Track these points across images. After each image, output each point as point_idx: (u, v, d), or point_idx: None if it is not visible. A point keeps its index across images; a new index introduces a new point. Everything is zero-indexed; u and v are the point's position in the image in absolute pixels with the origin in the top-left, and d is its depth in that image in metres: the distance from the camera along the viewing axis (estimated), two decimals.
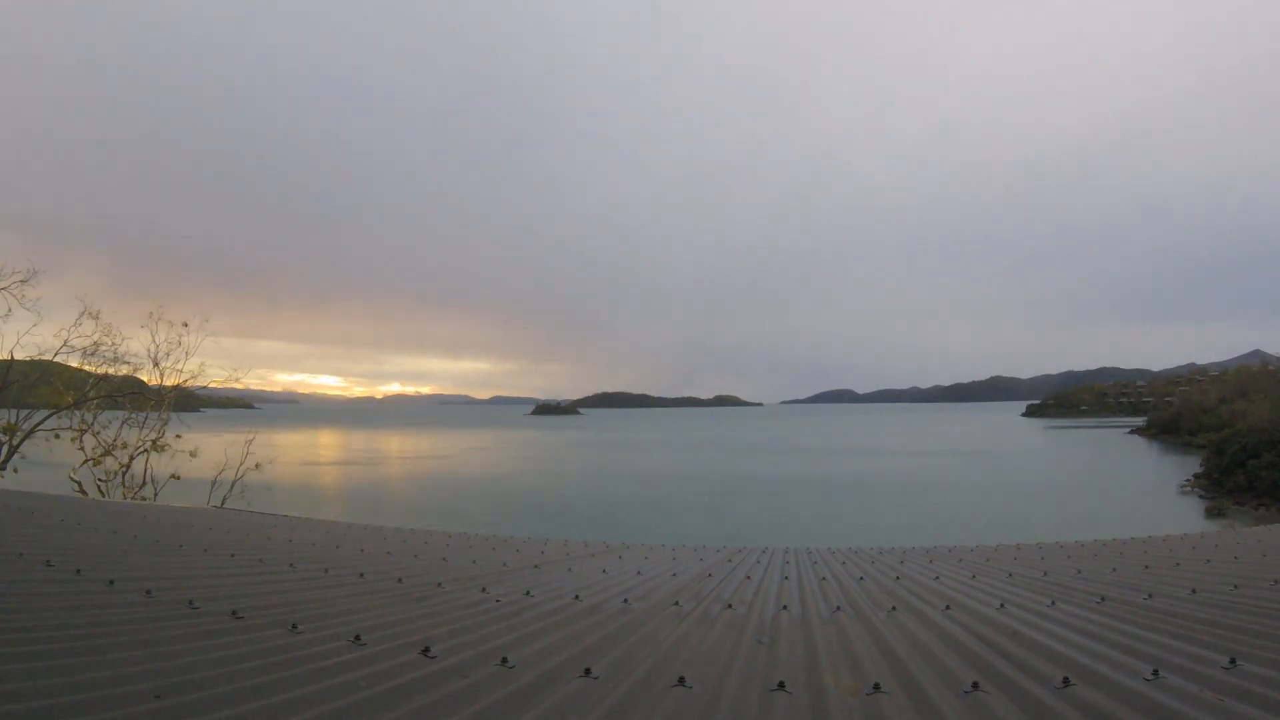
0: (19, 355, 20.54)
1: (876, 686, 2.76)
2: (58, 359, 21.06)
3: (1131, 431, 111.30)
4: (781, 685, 2.78)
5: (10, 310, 19.30)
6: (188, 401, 25.46)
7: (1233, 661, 2.82)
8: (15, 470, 19.75)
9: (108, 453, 21.49)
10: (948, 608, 4.64)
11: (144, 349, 22.54)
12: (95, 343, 21.39)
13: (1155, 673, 2.71)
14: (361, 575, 5.49)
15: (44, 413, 21.11)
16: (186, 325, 23.03)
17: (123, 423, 22.36)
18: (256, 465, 23.70)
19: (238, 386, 30.47)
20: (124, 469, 21.51)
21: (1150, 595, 4.75)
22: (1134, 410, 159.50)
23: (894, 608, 4.74)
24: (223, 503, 20.12)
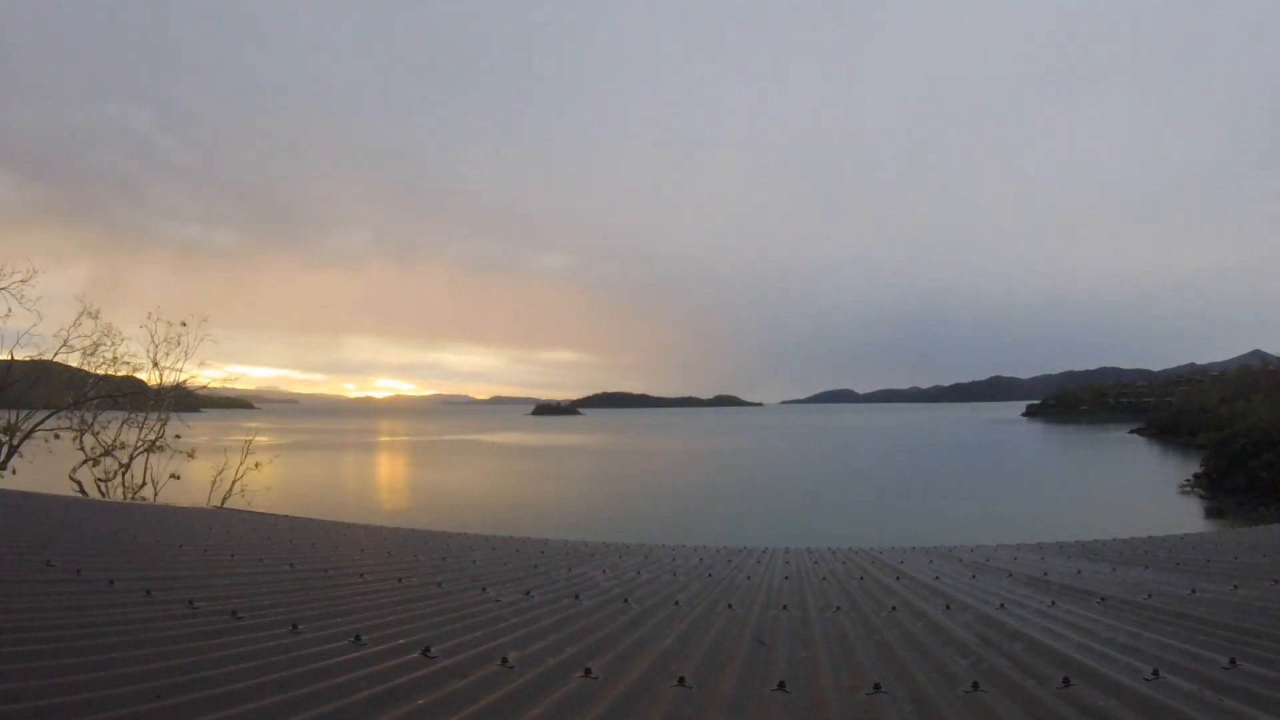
0: (19, 355, 20.55)
1: (876, 686, 2.76)
2: (57, 359, 21.08)
3: (1132, 431, 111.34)
4: (781, 685, 2.79)
5: (10, 310, 19.30)
6: (188, 401, 25.46)
7: (1233, 661, 2.82)
8: (14, 471, 19.75)
9: (107, 453, 21.49)
10: (948, 608, 4.64)
11: (143, 349, 22.57)
12: (95, 343, 21.42)
13: (1155, 673, 2.71)
14: (361, 575, 5.49)
15: (44, 413, 21.10)
16: (185, 325, 23.06)
17: (122, 423, 22.35)
18: (256, 465, 23.70)
19: (237, 386, 30.37)
20: (124, 469, 21.51)
21: (1150, 595, 4.75)
22: (1134, 410, 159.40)
23: (894, 607, 4.74)
24: (223, 502, 20.12)
